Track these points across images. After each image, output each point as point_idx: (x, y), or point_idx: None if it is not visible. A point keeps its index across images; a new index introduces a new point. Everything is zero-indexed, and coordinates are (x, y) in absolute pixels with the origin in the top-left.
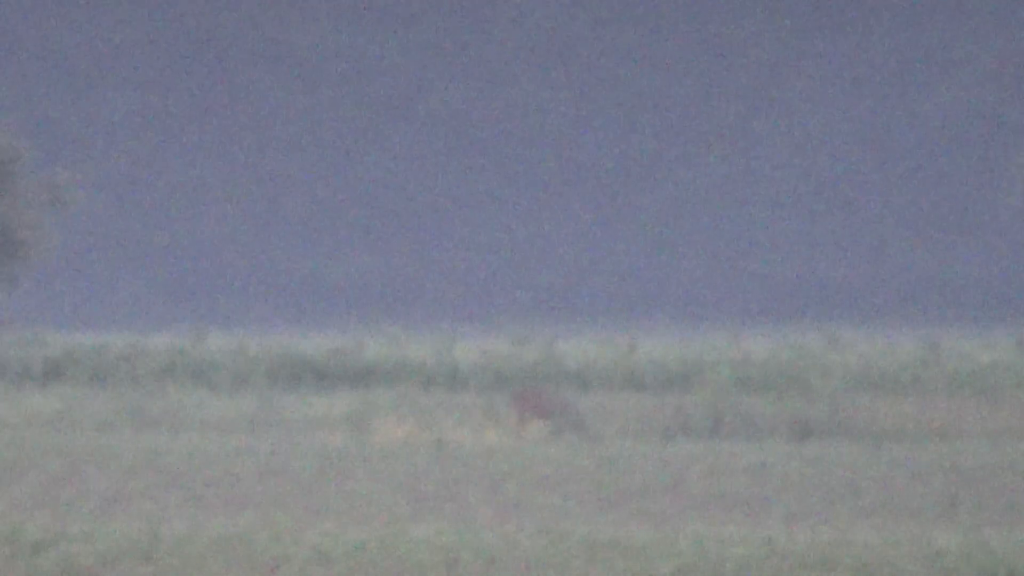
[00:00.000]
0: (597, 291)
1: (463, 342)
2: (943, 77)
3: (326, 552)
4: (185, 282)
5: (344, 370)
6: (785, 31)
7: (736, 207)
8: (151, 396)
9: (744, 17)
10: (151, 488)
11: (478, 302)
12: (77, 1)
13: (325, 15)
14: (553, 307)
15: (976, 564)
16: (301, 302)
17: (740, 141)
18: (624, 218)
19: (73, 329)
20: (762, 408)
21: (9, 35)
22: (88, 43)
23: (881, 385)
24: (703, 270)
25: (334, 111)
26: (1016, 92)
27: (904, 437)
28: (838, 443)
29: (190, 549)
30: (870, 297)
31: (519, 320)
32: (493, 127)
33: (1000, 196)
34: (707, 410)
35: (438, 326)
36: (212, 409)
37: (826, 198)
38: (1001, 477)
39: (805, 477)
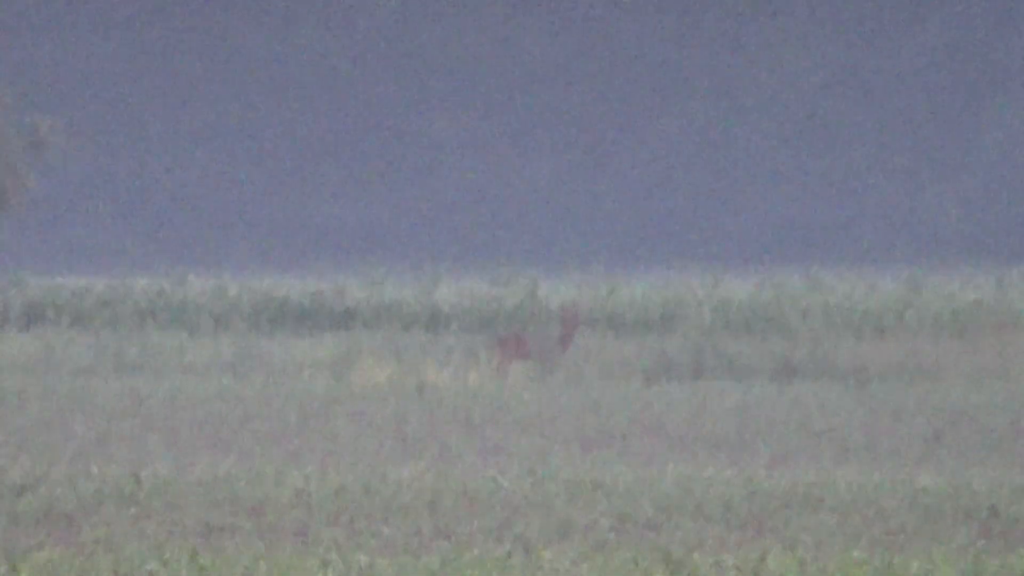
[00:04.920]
0: (578, 234)
1: (444, 284)
2: (923, 16)
3: (308, 495)
4: (165, 225)
5: (325, 313)
6: None
7: (716, 149)
8: (132, 339)
9: None
10: (132, 432)
11: (459, 245)
12: None
13: None
14: (534, 250)
15: (958, 503)
16: (281, 245)
17: (720, 82)
18: (605, 160)
19: (53, 273)
20: (744, 349)
21: None
22: None
23: (863, 325)
24: (683, 211)
25: (313, 54)
26: (997, 31)
27: (887, 377)
28: (820, 384)
29: (172, 492)
30: (851, 237)
31: (500, 263)
32: (474, 70)
33: (981, 135)
34: (689, 351)
35: (419, 269)
36: (193, 352)
37: (806, 139)
38: (983, 417)
39: (788, 418)
